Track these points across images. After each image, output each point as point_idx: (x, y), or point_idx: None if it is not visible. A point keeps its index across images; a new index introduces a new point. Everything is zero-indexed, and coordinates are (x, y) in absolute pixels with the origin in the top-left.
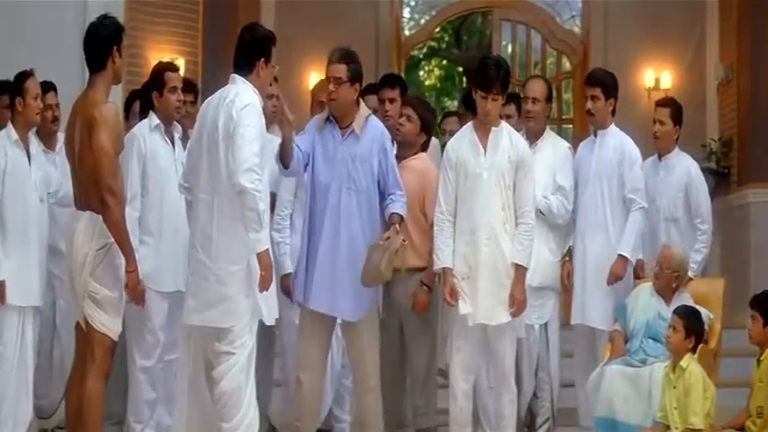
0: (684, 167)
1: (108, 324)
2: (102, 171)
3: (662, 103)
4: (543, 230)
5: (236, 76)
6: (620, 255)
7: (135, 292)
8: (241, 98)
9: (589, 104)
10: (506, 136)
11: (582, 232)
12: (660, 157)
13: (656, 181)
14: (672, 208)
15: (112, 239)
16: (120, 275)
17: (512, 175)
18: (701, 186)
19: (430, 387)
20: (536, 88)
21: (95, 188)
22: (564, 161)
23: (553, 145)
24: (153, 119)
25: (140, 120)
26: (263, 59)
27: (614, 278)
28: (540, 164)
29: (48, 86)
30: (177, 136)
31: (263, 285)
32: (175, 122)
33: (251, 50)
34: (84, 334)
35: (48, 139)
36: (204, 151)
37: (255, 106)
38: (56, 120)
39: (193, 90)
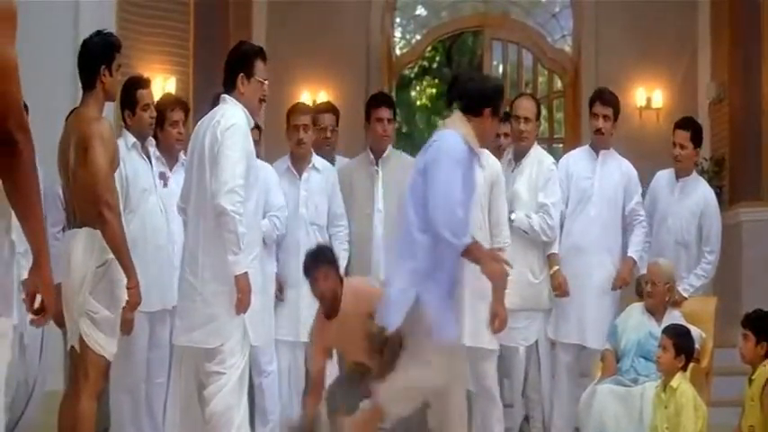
0: (702, 193)
1: (104, 344)
2: (100, 186)
3: (682, 126)
4: (523, 252)
5: (225, 96)
6: (629, 256)
7: (131, 313)
8: (226, 119)
9: (600, 123)
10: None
11: (581, 250)
12: (677, 177)
13: (670, 201)
14: (684, 232)
15: (112, 256)
16: (119, 294)
17: (487, 194)
18: (717, 216)
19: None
20: (528, 107)
21: (93, 204)
22: (548, 178)
23: (538, 163)
24: (128, 138)
25: None
26: (242, 75)
27: (622, 282)
28: (523, 183)
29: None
30: (152, 151)
31: (240, 308)
32: (150, 138)
33: (231, 68)
34: (78, 354)
35: None
36: (195, 172)
37: (240, 127)
38: None
39: (185, 108)
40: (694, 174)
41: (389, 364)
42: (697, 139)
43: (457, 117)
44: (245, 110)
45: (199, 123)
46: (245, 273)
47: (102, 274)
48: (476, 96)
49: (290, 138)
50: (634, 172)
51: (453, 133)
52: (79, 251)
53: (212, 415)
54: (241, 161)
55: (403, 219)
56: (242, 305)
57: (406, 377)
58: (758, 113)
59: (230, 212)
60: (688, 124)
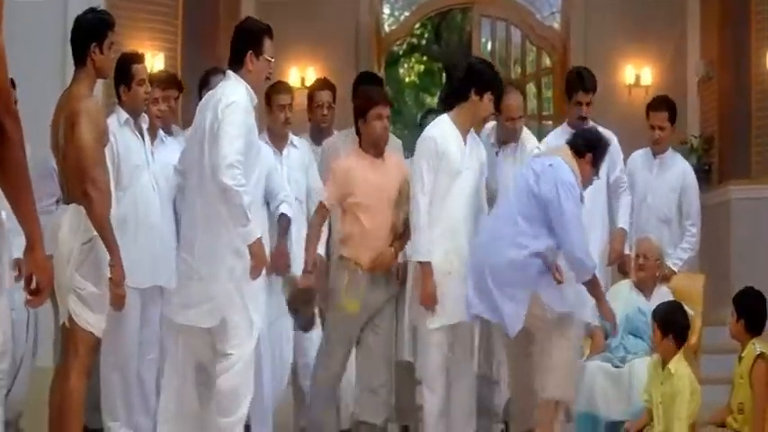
0: (680, 168)
1: (92, 321)
2: (85, 163)
3: (657, 107)
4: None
5: (229, 72)
6: (620, 228)
7: (118, 289)
8: (227, 96)
9: (584, 111)
10: (474, 136)
11: None
12: (654, 155)
13: (648, 179)
14: (665, 208)
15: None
16: (105, 271)
17: (484, 174)
18: (695, 190)
19: (388, 383)
20: (516, 107)
21: (79, 181)
22: None
23: (521, 146)
24: (121, 114)
25: None
26: (251, 52)
27: (616, 254)
28: (507, 167)
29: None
30: (145, 127)
31: (254, 274)
32: (143, 114)
33: (240, 44)
34: (68, 330)
35: None
36: (197, 147)
37: (240, 104)
38: None
39: (177, 86)
40: (670, 150)
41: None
42: (673, 117)
43: (568, 151)
44: (249, 87)
45: (204, 99)
46: (259, 239)
47: (89, 250)
48: (589, 143)
49: (271, 117)
50: (614, 140)
51: (569, 169)
52: (66, 228)
53: (218, 393)
54: (239, 138)
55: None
56: (256, 271)
57: (563, 363)
58: (747, 92)
59: (233, 187)
60: (663, 104)
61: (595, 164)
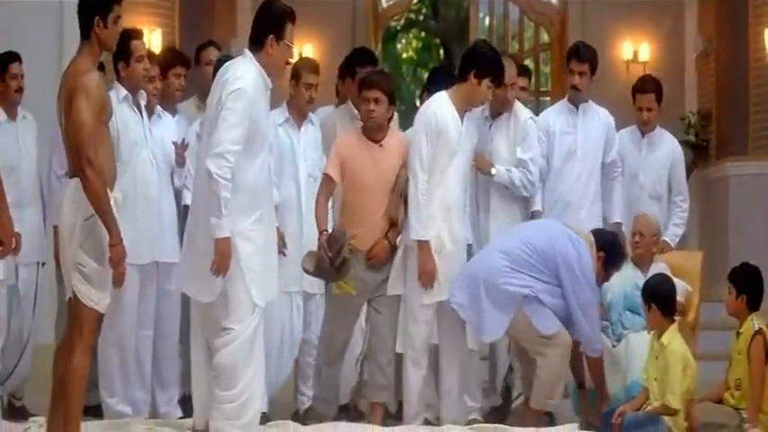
0: (669, 145)
1: (95, 298)
2: (81, 141)
3: (643, 89)
4: (508, 207)
5: (246, 50)
6: (617, 222)
7: (118, 267)
8: (234, 81)
9: (577, 80)
10: (469, 118)
11: (570, 204)
12: (643, 134)
13: (638, 158)
14: (657, 186)
15: None
16: (107, 248)
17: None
18: (683, 164)
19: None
20: (511, 74)
21: (77, 158)
22: (525, 133)
23: (514, 118)
24: (120, 90)
25: None
26: (272, 36)
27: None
28: (501, 139)
29: (13, 57)
30: (143, 104)
31: (217, 271)
32: (141, 90)
33: (262, 27)
34: (72, 306)
35: (10, 109)
36: (207, 122)
37: (245, 91)
38: (20, 90)
39: (185, 63)
40: (658, 128)
41: None
42: (660, 97)
43: (589, 242)
44: (263, 71)
45: (224, 66)
46: (226, 238)
47: (91, 227)
48: (605, 244)
49: (296, 92)
50: (611, 120)
51: (589, 260)
52: (67, 204)
53: (217, 366)
54: (237, 126)
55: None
56: (219, 268)
57: (551, 375)
58: (745, 68)
59: (215, 175)
60: (648, 86)
61: (605, 267)
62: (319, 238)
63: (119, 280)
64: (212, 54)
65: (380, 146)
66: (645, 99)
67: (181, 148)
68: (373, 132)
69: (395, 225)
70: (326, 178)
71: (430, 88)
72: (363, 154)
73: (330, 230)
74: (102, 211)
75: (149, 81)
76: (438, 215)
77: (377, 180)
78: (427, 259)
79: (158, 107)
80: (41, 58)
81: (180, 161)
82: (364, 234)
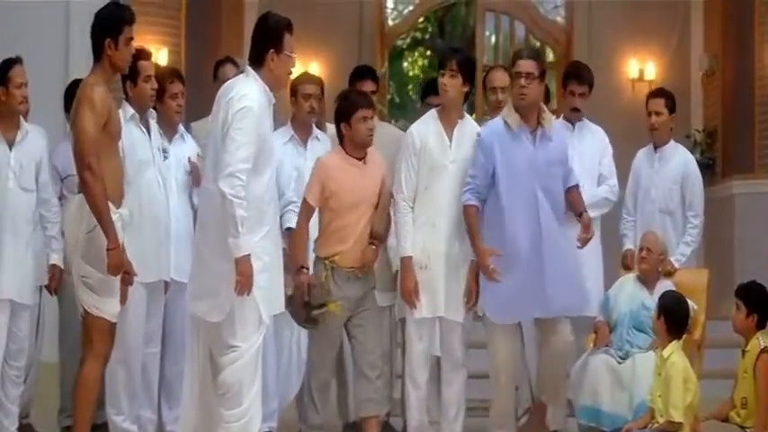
0: (681, 159)
1: (102, 306)
2: (82, 149)
3: (655, 94)
4: None
5: (248, 68)
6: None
7: (116, 273)
8: (239, 100)
9: (577, 102)
10: (471, 129)
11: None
12: (656, 148)
13: (650, 173)
14: (667, 200)
15: None
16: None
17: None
18: (698, 179)
19: (386, 374)
20: (503, 78)
21: (80, 165)
22: None
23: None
24: (127, 109)
25: None
26: (272, 50)
27: (585, 241)
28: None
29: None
30: (152, 122)
31: (240, 291)
32: (150, 109)
33: (260, 42)
34: (84, 322)
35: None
36: (211, 140)
37: (251, 109)
38: (24, 100)
39: (182, 80)
40: (672, 142)
41: None
42: (672, 106)
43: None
44: (266, 86)
45: (224, 86)
46: (247, 255)
47: (93, 239)
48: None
49: (296, 106)
50: (606, 138)
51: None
52: (70, 218)
53: (222, 384)
54: (247, 145)
55: None
56: (242, 288)
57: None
58: (750, 86)
59: (229, 195)
60: (661, 92)
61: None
62: (298, 276)
63: (123, 298)
64: (230, 71)
65: (364, 163)
66: (654, 103)
67: (197, 167)
68: (357, 150)
69: (378, 239)
70: (305, 204)
71: (423, 99)
72: (349, 172)
73: (309, 272)
74: (101, 216)
75: (172, 98)
76: (422, 230)
77: (361, 197)
78: (407, 275)
79: (181, 126)
80: (47, 71)
81: (197, 180)
82: (347, 252)
